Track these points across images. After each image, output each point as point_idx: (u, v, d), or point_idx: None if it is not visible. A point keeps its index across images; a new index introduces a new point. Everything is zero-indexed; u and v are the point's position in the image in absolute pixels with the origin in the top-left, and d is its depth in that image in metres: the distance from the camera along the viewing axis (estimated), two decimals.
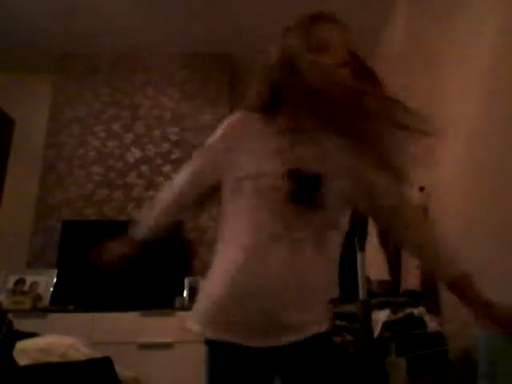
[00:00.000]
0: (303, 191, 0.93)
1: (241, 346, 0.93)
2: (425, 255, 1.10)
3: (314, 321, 0.97)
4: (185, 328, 1.02)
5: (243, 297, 0.93)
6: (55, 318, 2.90)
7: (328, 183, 0.96)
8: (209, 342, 0.99)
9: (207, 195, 1.12)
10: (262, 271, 0.93)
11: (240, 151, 1.01)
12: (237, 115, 1.07)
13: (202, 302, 1.02)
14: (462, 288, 1.03)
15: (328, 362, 0.99)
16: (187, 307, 3.06)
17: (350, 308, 2.09)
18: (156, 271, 3.27)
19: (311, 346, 0.96)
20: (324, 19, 1.07)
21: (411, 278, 2.40)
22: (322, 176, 0.95)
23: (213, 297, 0.97)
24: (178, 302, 3.06)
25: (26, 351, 1.58)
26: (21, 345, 1.62)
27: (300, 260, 0.95)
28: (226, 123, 1.08)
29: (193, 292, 3.17)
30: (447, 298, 2.17)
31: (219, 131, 1.09)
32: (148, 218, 1.19)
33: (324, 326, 0.99)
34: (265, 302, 0.93)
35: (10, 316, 1.96)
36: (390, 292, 2.55)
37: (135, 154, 3.74)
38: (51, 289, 3.18)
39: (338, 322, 2.03)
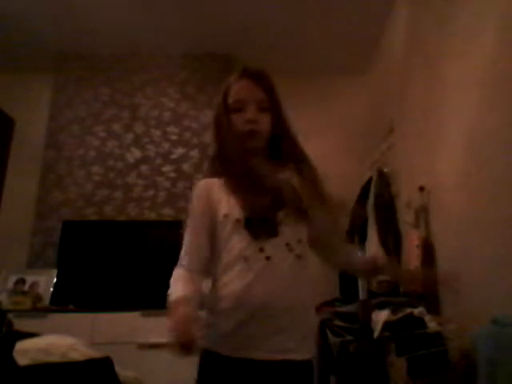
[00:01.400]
0: (257, 222, 1.11)
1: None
2: (347, 266, 1.34)
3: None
4: None
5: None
6: (55, 317, 2.89)
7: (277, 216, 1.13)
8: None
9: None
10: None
11: (214, 201, 1.18)
12: (201, 182, 1.24)
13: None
14: (378, 267, 1.24)
15: None
16: None
17: (349, 308, 2.09)
18: (156, 271, 3.27)
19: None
20: (238, 78, 1.20)
21: None
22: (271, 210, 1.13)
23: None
24: None
25: (26, 351, 1.58)
26: (21, 345, 1.62)
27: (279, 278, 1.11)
28: (195, 190, 1.24)
29: None
30: (447, 298, 2.17)
31: (194, 198, 1.24)
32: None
33: None
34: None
35: (9, 316, 1.96)
36: (389, 292, 2.55)
37: (135, 154, 3.74)
38: (51, 289, 3.18)
39: (338, 322, 2.03)
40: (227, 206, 1.14)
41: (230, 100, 1.19)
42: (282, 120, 1.22)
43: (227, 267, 1.14)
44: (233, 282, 1.11)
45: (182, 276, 1.18)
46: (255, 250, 1.10)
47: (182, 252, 1.19)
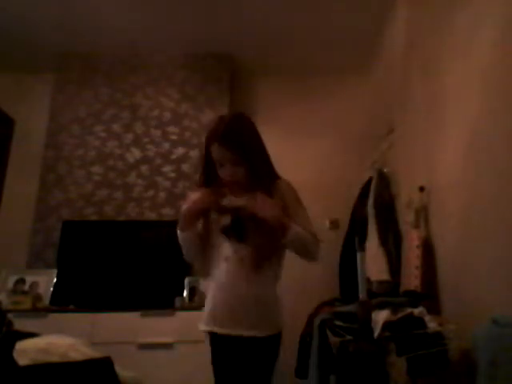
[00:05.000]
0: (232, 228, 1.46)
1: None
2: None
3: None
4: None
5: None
6: (55, 317, 2.90)
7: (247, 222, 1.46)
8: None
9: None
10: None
11: None
12: (195, 190, 1.56)
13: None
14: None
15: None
16: (187, 307, 3.06)
17: (349, 308, 2.09)
18: (156, 271, 3.27)
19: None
20: (214, 139, 1.46)
21: (411, 278, 2.40)
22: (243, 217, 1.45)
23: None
24: (177, 302, 3.06)
25: (25, 351, 1.58)
26: (21, 345, 1.61)
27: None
28: (190, 196, 1.54)
29: (193, 292, 3.17)
30: (447, 298, 2.17)
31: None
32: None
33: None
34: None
35: (9, 316, 1.96)
36: (389, 292, 2.55)
37: (135, 154, 3.74)
38: (51, 289, 3.18)
39: (338, 322, 2.03)
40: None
41: (212, 156, 1.48)
42: (255, 162, 1.47)
43: None
44: None
45: None
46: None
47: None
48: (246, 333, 1.42)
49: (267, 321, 1.46)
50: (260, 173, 1.48)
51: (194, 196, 1.49)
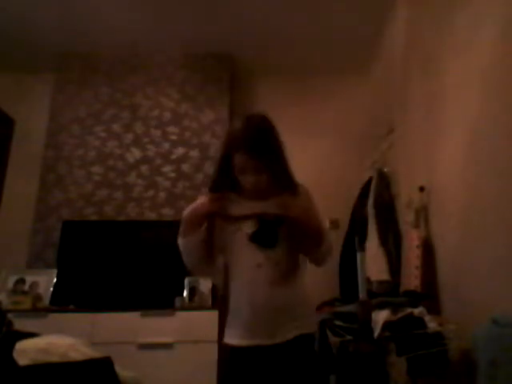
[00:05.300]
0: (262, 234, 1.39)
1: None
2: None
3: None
4: None
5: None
6: (55, 317, 2.90)
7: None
8: None
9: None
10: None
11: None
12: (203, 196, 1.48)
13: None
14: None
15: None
16: (187, 307, 3.06)
17: (350, 308, 2.09)
18: (156, 271, 3.27)
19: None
20: (239, 145, 1.36)
21: (411, 278, 2.40)
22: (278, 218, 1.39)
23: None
24: (177, 301, 3.06)
25: (25, 351, 1.58)
26: (21, 345, 1.61)
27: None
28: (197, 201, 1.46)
29: (193, 292, 3.17)
30: (447, 298, 2.17)
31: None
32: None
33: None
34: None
35: (9, 316, 1.96)
36: (389, 292, 2.55)
37: (135, 154, 3.74)
38: (51, 289, 3.18)
39: (338, 322, 2.03)
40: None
41: (234, 163, 1.38)
42: (279, 170, 1.40)
43: None
44: None
45: None
46: None
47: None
48: (291, 336, 1.34)
49: (309, 319, 1.42)
50: (283, 180, 1.43)
51: (199, 200, 1.43)
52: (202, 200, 1.42)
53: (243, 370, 1.33)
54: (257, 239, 1.38)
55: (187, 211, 1.42)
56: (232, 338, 1.37)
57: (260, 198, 1.42)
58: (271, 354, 1.32)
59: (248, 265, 1.38)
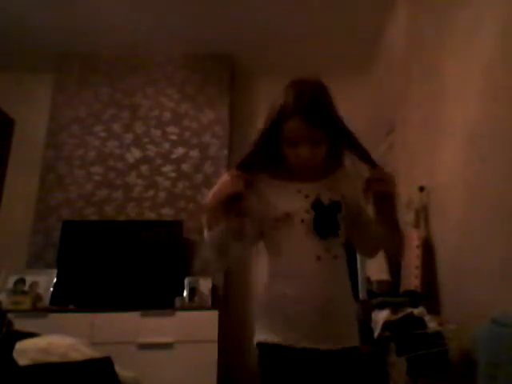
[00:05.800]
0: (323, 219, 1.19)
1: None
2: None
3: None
4: None
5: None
6: (55, 317, 2.90)
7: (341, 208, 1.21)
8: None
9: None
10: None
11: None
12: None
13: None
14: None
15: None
16: (187, 307, 3.06)
17: None
18: (156, 271, 3.27)
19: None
20: (293, 111, 1.16)
21: (411, 278, 2.40)
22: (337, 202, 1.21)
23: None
24: (177, 301, 3.06)
25: (25, 351, 1.58)
26: (21, 345, 1.61)
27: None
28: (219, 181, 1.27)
29: (193, 292, 3.17)
30: (447, 298, 2.17)
31: None
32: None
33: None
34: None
35: (9, 316, 1.96)
36: (389, 292, 2.55)
37: (135, 154, 3.74)
38: (51, 289, 3.18)
39: None
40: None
41: (284, 134, 1.17)
42: (340, 135, 1.22)
43: None
44: None
45: None
46: None
47: None
48: (348, 344, 1.19)
49: (356, 328, 1.25)
50: (341, 155, 1.23)
51: (222, 179, 1.17)
52: (224, 178, 1.17)
53: (292, 374, 1.15)
54: (317, 227, 1.17)
55: (210, 196, 1.17)
56: (283, 339, 1.16)
57: (308, 178, 1.22)
58: (328, 360, 1.16)
59: (305, 258, 1.17)
